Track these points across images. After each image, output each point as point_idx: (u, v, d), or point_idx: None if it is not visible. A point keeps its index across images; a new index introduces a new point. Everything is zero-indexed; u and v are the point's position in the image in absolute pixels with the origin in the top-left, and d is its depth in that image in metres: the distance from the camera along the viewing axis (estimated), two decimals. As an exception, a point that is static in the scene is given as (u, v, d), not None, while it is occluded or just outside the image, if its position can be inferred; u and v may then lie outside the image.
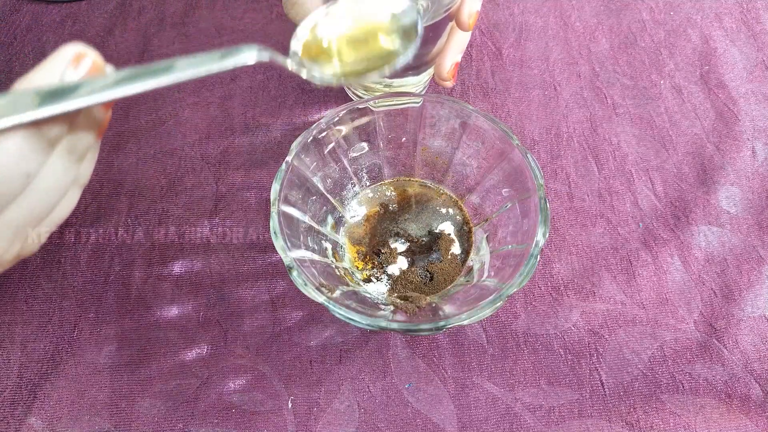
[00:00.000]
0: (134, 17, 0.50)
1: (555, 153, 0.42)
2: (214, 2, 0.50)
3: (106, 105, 0.21)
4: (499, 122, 0.32)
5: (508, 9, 0.49)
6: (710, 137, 0.42)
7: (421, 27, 0.24)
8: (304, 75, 0.23)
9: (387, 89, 0.41)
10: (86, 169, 0.22)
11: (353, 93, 0.43)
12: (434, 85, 0.44)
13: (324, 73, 0.24)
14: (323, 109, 0.44)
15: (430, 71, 0.41)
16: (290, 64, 0.23)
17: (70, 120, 0.19)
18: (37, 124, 0.18)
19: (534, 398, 0.33)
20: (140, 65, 0.19)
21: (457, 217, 0.38)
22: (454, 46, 0.35)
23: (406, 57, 0.24)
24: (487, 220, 0.36)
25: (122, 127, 0.44)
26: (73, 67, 0.19)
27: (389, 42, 0.25)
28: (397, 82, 0.40)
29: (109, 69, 0.20)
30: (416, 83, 0.41)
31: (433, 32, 0.35)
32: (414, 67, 0.39)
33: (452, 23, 0.35)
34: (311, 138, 0.32)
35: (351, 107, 0.33)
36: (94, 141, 0.21)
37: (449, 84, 0.37)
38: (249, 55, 0.20)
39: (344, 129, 0.34)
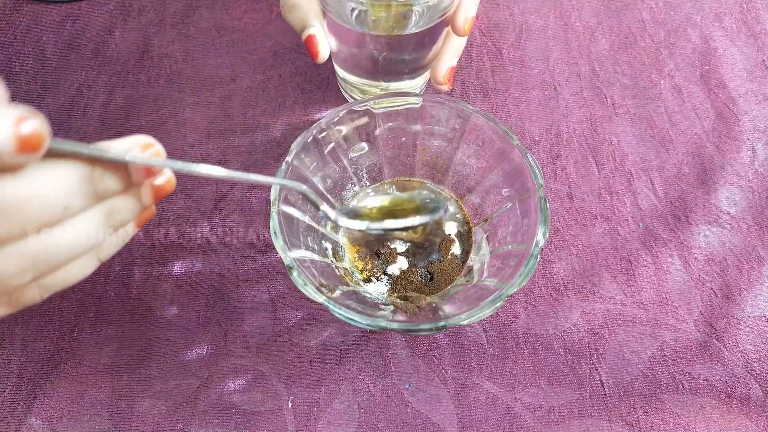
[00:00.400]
0: (134, 17, 0.50)
1: (555, 153, 0.42)
2: (214, 2, 0.50)
3: (155, 196, 0.21)
4: (499, 122, 0.32)
5: (508, 9, 0.49)
6: (710, 137, 0.42)
7: (443, 215, 0.32)
8: (331, 216, 0.30)
9: (384, 93, 0.41)
10: (111, 245, 0.22)
11: (349, 95, 0.43)
12: (431, 88, 0.44)
13: (352, 225, 0.30)
14: (323, 109, 0.44)
15: (426, 75, 0.41)
16: (326, 208, 0.29)
17: (121, 184, 0.20)
18: (92, 166, 0.19)
19: (534, 398, 0.33)
20: (198, 162, 0.22)
21: (457, 216, 0.38)
22: (450, 51, 0.36)
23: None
24: (487, 220, 0.36)
25: (122, 127, 0.44)
26: (140, 149, 0.20)
27: (416, 216, 0.32)
28: (393, 86, 0.40)
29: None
30: (413, 87, 0.41)
31: (429, 37, 0.35)
32: (410, 71, 0.39)
33: (448, 28, 0.35)
34: (311, 138, 0.32)
35: (351, 108, 0.33)
36: (132, 222, 0.22)
37: (446, 88, 0.37)
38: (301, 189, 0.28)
39: (344, 129, 0.34)
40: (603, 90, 0.45)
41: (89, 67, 0.47)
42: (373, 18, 0.33)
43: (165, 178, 0.21)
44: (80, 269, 0.22)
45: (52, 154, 0.17)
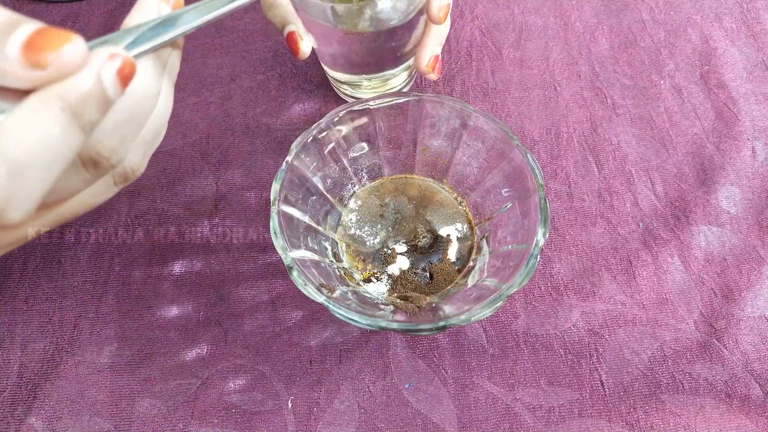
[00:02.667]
0: (134, 17, 0.50)
1: (555, 153, 0.42)
2: (214, 2, 0.50)
3: None
4: (499, 122, 0.32)
5: (508, 9, 0.49)
6: (710, 137, 0.42)
7: None
8: None
9: (370, 83, 0.40)
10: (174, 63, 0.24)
11: (341, 92, 0.43)
12: (422, 83, 0.44)
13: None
14: (323, 109, 0.44)
15: (412, 68, 0.40)
16: None
17: (172, 44, 0.22)
18: (157, 49, 0.20)
19: (534, 398, 0.33)
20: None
21: (460, 216, 0.38)
22: (432, 39, 0.35)
23: None
24: (487, 220, 0.36)
25: (122, 127, 0.43)
26: (165, 3, 0.21)
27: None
28: (377, 77, 0.39)
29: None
30: (396, 73, 0.40)
31: (402, 29, 0.34)
32: (391, 63, 0.38)
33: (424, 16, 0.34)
34: (311, 138, 0.32)
35: (351, 108, 0.33)
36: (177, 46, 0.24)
37: (433, 76, 0.37)
38: None
39: (344, 129, 0.34)
40: (603, 90, 0.45)
41: (89, 67, 0.47)
42: (339, 14, 0.32)
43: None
44: (164, 119, 0.23)
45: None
